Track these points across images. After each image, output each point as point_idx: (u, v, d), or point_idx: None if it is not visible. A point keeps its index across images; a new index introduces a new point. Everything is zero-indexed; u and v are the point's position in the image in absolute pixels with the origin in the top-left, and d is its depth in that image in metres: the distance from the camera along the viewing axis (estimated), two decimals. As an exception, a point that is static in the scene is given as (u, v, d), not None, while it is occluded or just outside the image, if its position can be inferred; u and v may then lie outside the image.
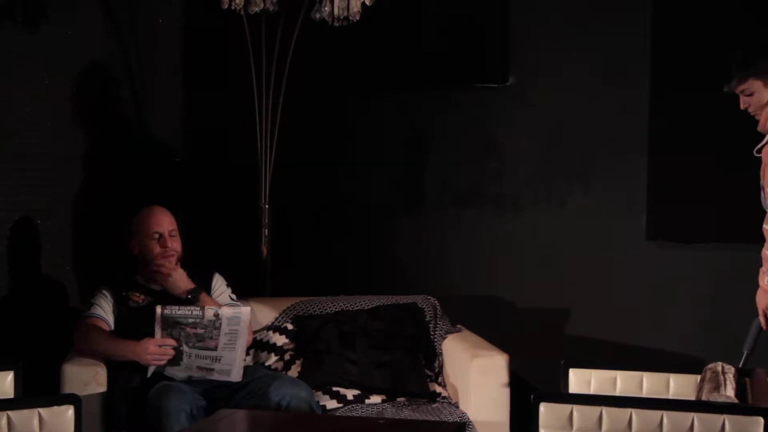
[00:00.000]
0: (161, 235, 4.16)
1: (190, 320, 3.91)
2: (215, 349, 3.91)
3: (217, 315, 3.90)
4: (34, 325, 4.31)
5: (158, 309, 3.94)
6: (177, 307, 3.95)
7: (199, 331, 3.91)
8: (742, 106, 3.74)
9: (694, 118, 4.62)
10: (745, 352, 3.87)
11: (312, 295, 4.65)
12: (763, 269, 3.75)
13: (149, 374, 3.93)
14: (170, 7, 5.05)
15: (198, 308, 3.95)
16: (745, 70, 3.67)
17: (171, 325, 3.92)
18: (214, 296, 4.27)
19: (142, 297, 4.14)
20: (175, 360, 3.93)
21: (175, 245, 4.20)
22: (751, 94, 3.68)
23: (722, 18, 4.58)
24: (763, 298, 3.80)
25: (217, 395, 3.93)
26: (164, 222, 4.19)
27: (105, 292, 4.14)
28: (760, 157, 3.74)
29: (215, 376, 3.94)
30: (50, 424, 3.00)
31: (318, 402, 4.05)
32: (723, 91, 3.78)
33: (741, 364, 3.83)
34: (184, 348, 3.92)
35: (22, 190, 4.29)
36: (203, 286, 4.26)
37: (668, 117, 4.72)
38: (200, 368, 3.94)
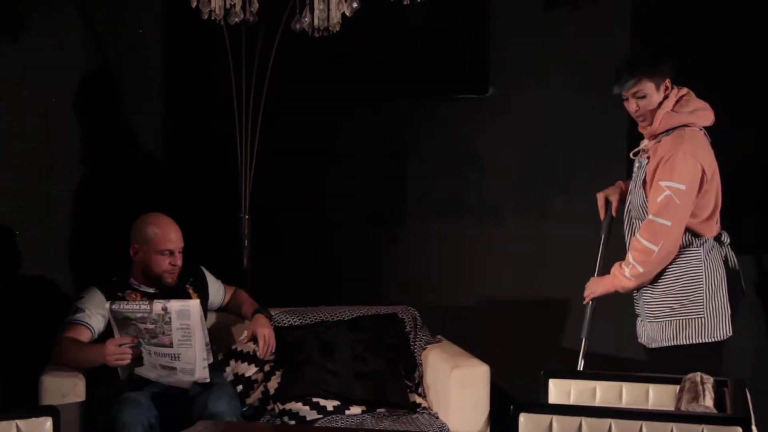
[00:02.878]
0: (172, 252, 4.11)
1: (138, 315, 3.77)
2: (171, 345, 3.78)
3: (165, 309, 3.75)
4: (12, 336, 4.28)
5: (107, 305, 3.85)
6: (126, 302, 3.85)
7: (150, 326, 3.77)
8: (632, 108, 3.76)
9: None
10: (584, 338, 3.97)
11: (292, 305, 4.63)
12: (625, 261, 3.80)
13: (122, 377, 3.87)
14: (151, 17, 5.04)
15: (146, 302, 3.80)
16: (636, 72, 3.68)
17: (123, 322, 3.81)
18: (211, 289, 4.34)
19: (140, 295, 4.07)
20: (139, 359, 3.83)
21: (180, 262, 4.14)
22: (643, 96, 3.71)
23: (699, 26, 4.62)
24: (602, 286, 3.89)
25: (173, 405, 3.88)
26: (176, 239, 4.12)
27: (96, 290, 4.05)
28: (635, 160, 3.84)
29: (179, 376, 3.83)
30: (28, 435, 3.00)
31: (241, 409, 4.03)
32: (613, 93, 3.78)
33: (582, 353, 3.88)
34: (143, 345, 3.82)
35: (1, 201, 4.27)
36: (197, 280, 4.28)
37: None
38: (164, 367, 3.83)
